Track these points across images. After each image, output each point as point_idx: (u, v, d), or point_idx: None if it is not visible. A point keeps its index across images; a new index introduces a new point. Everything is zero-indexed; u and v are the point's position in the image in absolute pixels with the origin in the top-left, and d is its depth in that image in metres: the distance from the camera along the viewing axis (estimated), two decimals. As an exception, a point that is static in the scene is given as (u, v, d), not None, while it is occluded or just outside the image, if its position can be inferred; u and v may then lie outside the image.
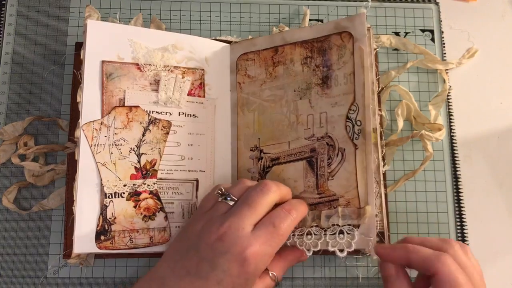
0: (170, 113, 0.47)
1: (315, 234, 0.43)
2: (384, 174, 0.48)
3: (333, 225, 0.42)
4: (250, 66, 0.50)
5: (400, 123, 0.51)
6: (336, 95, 0.45)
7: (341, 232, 0.42)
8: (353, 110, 0.44)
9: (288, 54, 0.48)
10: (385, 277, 0.39)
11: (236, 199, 0.40)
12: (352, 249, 0.41)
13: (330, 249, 0.41)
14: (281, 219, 0.39)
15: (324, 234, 0.42)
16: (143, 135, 0.46)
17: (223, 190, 0.42)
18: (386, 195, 0.47)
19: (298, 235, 0.43)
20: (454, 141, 0.52)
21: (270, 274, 0.41)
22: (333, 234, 0.42)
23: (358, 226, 0.42)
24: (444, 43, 0.55)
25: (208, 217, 0.40)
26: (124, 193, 0.44)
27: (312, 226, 0.43)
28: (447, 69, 0.54)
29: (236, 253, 0.37)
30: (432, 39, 0.55)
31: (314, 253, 0.46)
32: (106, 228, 0.43)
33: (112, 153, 0.45)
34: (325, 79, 0.46)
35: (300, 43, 0.48)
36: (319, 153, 0.45)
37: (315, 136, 0.46)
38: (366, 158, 0.43)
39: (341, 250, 0.41)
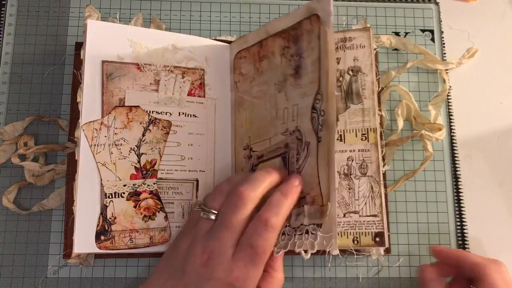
0: (170, 113, 0.47)
1: (288, 235, 0.40)
2: (384, 174, 0.48)
3: (301, 224, 0.40)
4: (243, 64, 0.49)
5: (400, 123, 0.51)
6: (305, 84, 0.42)
7: (307, 232, 0.39)
8: (319, 100, 0.41)
9: (270, 47, 0.46)
10: (424, 279, 0.45)
11: (216, 212, 0.40)
12: (314, 250, 0.38)
13: (296, 250, 0.39)
14: (258, 237, 0.37)
15: (294, 234, 0.40)
16: (143, 135, 0.46)
17: (201, 204, 0.41)
18: (386, 195, 0.47)
19: None
20: (454, 141, 0.52)
21: None
22: (301, 234, 0.39)
23: (321, 225, 0.39)
24: (444, 43, 0.55)
25: (193, 236, 0.40)
26: (124, 193, 0.44)
27: (286, 226, 0.41)
28: (447, 69, 0.54)
29: (221, 279, 0.37)
30: (432, 39, 0.55)
31: (313, 253, 0.46)
32: (106, 228, 0.43)
33: (112, 153, 0.45)
34: (297, 68, 0.43)
35: (279, 33, 0.45)
36: (291, 148, 0.42)
37: (288, 131, 0.43)
38: (328, 152, 0.39)
39: (306, 251, 0.38)
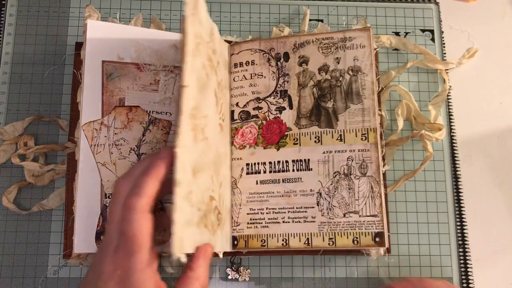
0: (170, 113, 0.47)
1: None
2: (384, 174, 0.48)
3: None
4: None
5: (400, 123, 0.51)
6: None
7: None
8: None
9: None
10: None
11: None
12: (171, 254, 0.34)
13: None
14: (124, 222, 0.36)
15: None
16: (143, 135, 0.46)
17: None
18: (386, 195, 0.47)
19: None
20: (454, 141, 0.52)
21: None
22: None
23: None
24: (444, 43, 0.55)
25: None
26: (124, 193, 0.44)
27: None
28: (447, 69, 0.54)
29: (109, 272, 0.36)
30: (432, 39, 0.55)
31: (314, 253, 0.46)
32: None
33: (112, 153, 0.45)
34: None
35: None
36: None
37: None
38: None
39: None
